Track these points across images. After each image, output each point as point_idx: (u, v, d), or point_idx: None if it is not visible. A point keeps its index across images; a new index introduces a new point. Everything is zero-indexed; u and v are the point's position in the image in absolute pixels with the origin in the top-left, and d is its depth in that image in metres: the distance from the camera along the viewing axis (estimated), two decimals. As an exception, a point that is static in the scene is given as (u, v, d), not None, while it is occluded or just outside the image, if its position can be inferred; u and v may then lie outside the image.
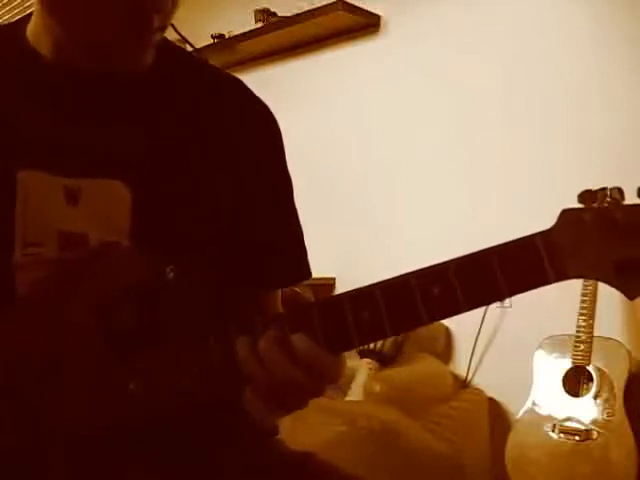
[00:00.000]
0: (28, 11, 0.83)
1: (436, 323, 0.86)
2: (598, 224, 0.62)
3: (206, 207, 0.82)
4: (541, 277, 0.62)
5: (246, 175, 0.86)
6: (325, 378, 0.67)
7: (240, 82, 0.92)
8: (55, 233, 0.75)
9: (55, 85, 0.80)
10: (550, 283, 0.63)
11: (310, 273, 0.94)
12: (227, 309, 0.83)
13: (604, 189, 2.18)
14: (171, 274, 0.74)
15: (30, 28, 0.82)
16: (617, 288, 0.62)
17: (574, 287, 2.02)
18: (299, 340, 0.65)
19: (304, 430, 1.75)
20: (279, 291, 0.94)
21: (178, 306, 0.77)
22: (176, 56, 0.88)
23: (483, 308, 0.67)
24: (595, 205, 0.68)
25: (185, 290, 0.76)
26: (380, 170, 2.73)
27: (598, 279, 0.63)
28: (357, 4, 2.70)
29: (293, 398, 0.68)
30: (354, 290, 0.67)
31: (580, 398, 2.04)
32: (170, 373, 0.68)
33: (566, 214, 0.63)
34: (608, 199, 0.68)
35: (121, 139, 0.79)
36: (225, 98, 0.88)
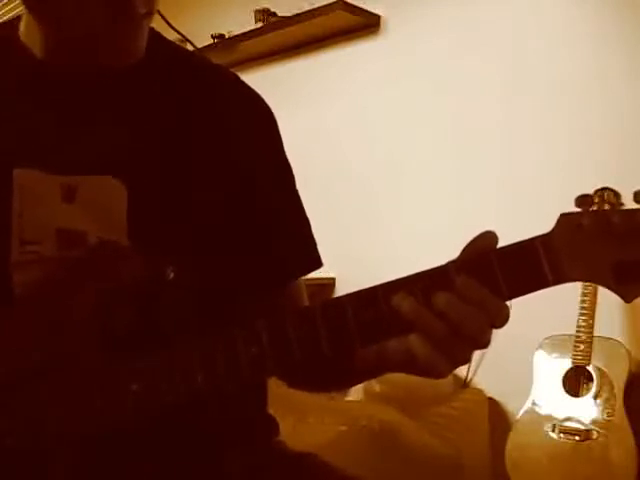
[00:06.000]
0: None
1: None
2: (596, 228, 0.62)
3: (205, 202, 0.81)
4: (540, 281, 0.63)
5: (245, 168, 0.85)
6: (496, 323, 0.64)
7: (235, 76, 0.91)
8: (53, 231, 0.75)
9: (48, 83, 0.79)
10: (549, 286, 0.63)
11: (321, 262, 0.93)
12: (229, 307, 0.83)
13: (603, 189, 2.20)
14: (171, 275, 0.73)
15: (22, 26, 0.82)
16: (615, 292, 0.63)
17: (574, 287, 2.02)
18: (470, 285, 0.63)
19: (304, 430, 1.76)
20: (299, 283, 0.92)
21: (178, 306, 0.76)
22: (170, 51, 0.88)
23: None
24: (593, 209, 0.69)
25: (185, 290, 0.76)
26: (380, 170, 2.73)
27: (596, 283, 0.63)
28: (357, 4, 2.70)
29: (465, 347, 0.66)
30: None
31: (580, 398, 2.04)
32: (173, 374, 0.68)
33: (564, 218, 0.64)
34: (606, 204, 0.70)
35: (116, 135, 0.78)
36: (220, 92, 0.87)
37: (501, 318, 0.64)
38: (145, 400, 0.68)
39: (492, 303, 0.63)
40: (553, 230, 0.64)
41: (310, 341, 0.66)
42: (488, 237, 0.65)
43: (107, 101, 0.80)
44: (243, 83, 0.91)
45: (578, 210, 0.69)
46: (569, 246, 0.63)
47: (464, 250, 0.66)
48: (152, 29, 0.86)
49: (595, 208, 1.97)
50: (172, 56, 0.87)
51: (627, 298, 0.62)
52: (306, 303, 0.92)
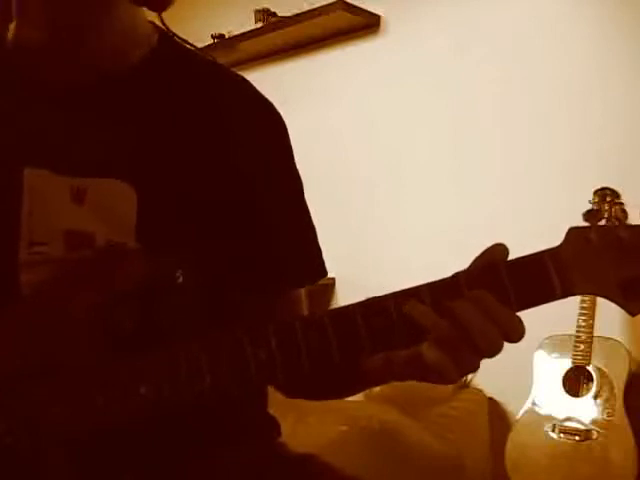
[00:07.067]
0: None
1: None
2: (604, 243, 0.64)
3: (212, 205, 0.81)
4: (549, 293, 0.64)
5: (253, 173, 0.85)
6: (508, 333, 0.65)
7: (245, 80, 0.91)
8: (61, 232, 0.75)
9: (61, 84, 0.80)
10: (557, 299, 0.65)
11: (326, 271, 0.92)
12: (232, 311, 0.83)
13: (603, 189, 2.22)
14: (180, 278, 0.73)
15: None
16: (622, 306, 0.64)
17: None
18: (480, 295, 0.64)
19: (304, 430, 1.75)
20: (300, 291, 0.92)
21: (185, 309, 0.76)
22: (177, 52, 0.88)
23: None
24: (601, 224, 0.71)
25: (192, 293, 0.76)
26: (380, 170, 2.73)
27: (603, 297, 0.65)
28: (357, 4, 2.70)
29: (475, 355, 0.66)
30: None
31: (580, 398, 2.04)
32: (179, 377, 0.68)
33: (573, 232, 0.66)
34: (606, 205, 0.71)
35: (125, 137, 0.78)
36: (229, 96, 0.87)
37: (512, 328, 0.65)
38: (150, 402, 0.68)
39: (501, 313, 0.64)
40: (562, 244, 0.65)
41: (321, 349, 0.66)
42: (499, 250, 0.66)
43: (116, 103, 0.80)
44: (251, 86, 0.90)
45: (586, 224, 0.72)
46: (577, 260, 0.64)
47: (474, 261, 0.67)
48: (161, 30, 0.86)
49: (596, 207, 1.98)
50: (179, 57, 0.87)
51: (634, 312, 0.64)
52: (305, 310, 0.92)
